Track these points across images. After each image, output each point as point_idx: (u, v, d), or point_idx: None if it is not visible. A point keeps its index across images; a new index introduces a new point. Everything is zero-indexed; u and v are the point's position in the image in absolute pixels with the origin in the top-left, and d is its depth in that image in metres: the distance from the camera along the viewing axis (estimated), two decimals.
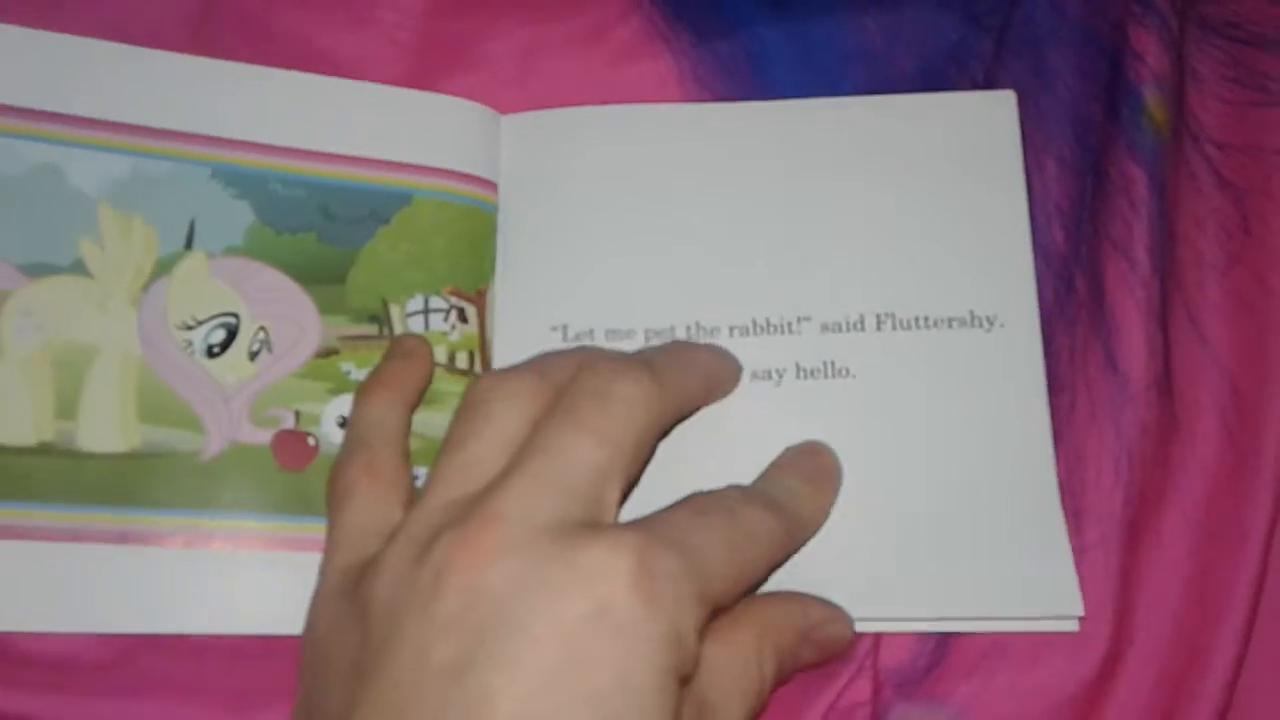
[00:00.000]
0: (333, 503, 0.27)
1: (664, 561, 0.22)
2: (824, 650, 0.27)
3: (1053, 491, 0.29)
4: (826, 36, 0.34)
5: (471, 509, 0.23)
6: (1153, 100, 0.32)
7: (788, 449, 0.29)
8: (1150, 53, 0.33)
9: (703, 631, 0.23)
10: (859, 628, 0.28)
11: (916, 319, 0.31)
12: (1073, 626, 0.28)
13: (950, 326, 0.30)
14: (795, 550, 0.27)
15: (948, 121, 0.32)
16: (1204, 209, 0.32)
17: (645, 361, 0.26)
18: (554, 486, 0.23)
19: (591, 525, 0.23)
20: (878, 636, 0.29)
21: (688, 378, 0.28)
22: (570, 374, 0.26)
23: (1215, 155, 0.33)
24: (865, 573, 0.28)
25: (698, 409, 0.29)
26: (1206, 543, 0.29)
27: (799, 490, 0.28)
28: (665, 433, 0.27)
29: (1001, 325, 0.30)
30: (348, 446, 0.28)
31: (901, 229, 0.31)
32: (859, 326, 0.31)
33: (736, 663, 0.25)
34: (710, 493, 0.26)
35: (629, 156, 0.33)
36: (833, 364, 0.30)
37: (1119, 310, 0.31)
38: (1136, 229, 0.31)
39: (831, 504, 0.29)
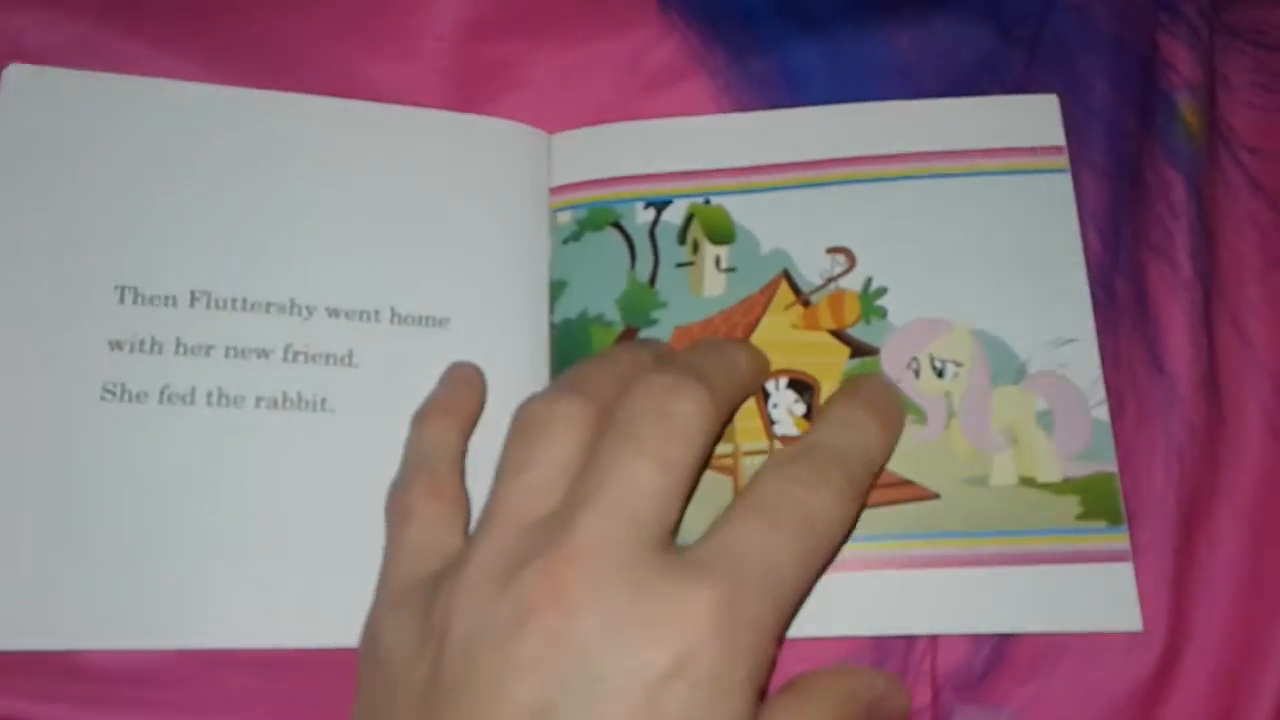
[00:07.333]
0: (394, 520, 0.27)
1: (744, 605, 0.22)
2: None
3: None
4: (858, 52, 0.34)
5: (548, 542, 0.23)
6: (1186, 106, 0.33)
7: (850, 380, 0.29)
8: (1181, 60, 0.33)
9: (775, 701, 0.24)
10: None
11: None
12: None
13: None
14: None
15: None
16: (1240, 212, 0.33)
17: (695, 370, 0.26)
18: (625, 518, 0.23)
19: (664, 557, 0.23)
20: (934, 640, 0.29)
21: (734, 383, 0.28)
22: (614, 389, 0.26)
23: (1248, 160, 0.33)
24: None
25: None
26: (1258, 539, 0.29)
27: (869, 433, 0.27)
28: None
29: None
30: (409, 467, 0.28)
31: None
32: None
33: None
34: (778, 477, 0.25)
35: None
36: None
37: (1163, 313, 0.31)
38: (1176, 233, 0.32)
39: (895, 444, 0.28)
